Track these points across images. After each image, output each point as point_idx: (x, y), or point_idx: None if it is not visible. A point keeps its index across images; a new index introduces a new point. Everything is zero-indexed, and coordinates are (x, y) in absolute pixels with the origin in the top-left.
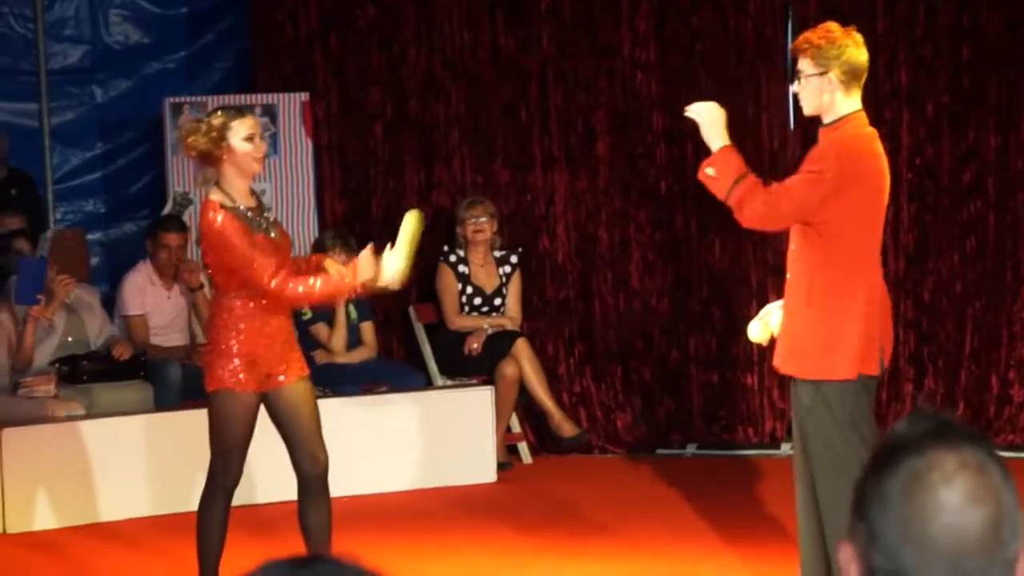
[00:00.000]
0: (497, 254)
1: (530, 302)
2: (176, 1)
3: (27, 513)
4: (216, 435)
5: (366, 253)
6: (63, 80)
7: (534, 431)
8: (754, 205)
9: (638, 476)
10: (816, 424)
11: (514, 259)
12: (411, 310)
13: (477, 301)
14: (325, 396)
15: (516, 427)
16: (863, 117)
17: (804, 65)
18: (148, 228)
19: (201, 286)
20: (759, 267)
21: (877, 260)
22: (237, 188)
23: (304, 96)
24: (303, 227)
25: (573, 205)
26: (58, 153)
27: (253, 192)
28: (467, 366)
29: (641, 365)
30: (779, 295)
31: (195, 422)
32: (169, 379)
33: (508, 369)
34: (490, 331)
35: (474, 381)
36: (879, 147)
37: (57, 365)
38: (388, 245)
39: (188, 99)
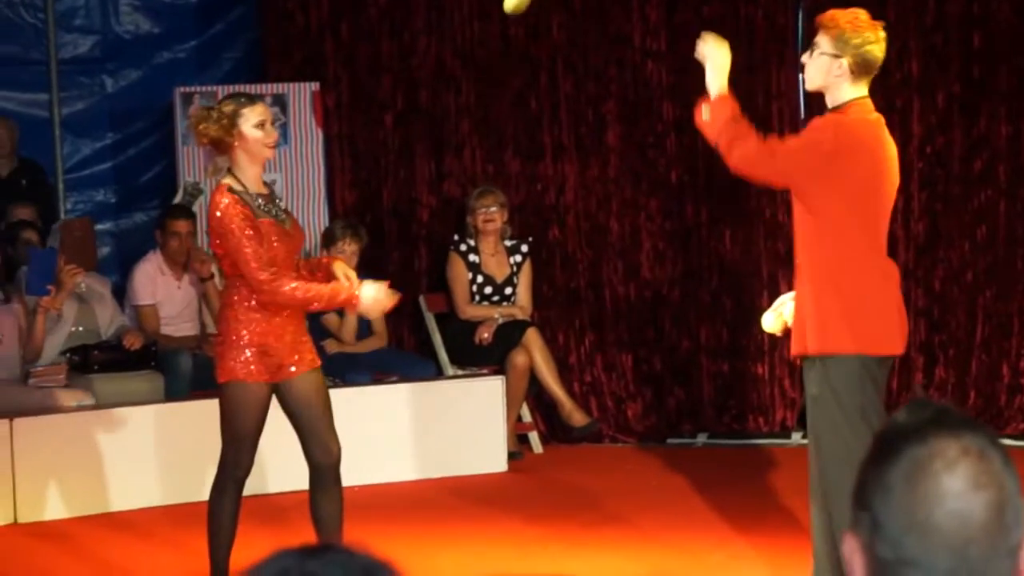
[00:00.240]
0: (508, 243)
1: (541, 291)
2: None
3: (38, 503)
4: (227, 426)
5: (380, 285)
6: (73, 70)
7: (545, 420)
8: (745, 148)
9: (649, 465)
10: (824, 413)
11: (525, 248)
12: (422, 300)
13: (488, 290)
14: (336, 386)
15: (527, 416)
16: (868, 104)
17: (822, 41)
18: (157, 218)
19: (211, 276)
20: (770, 257)
21: (878, 245)
22: (249, 175)
23: (314, 86)
24: (313, 217)
25: (583, 195)
26: (68, 143)
27: (265, 182)
28: (478, 356)
29: (652, 355)
30: (790, 286)
31: (206, 412)
32: (180, 369)
33: (519, 359)
34: (501, 321)
35: (485, 371)
36: (884, 133)
37: (68, 355)
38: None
39: (198, 89)
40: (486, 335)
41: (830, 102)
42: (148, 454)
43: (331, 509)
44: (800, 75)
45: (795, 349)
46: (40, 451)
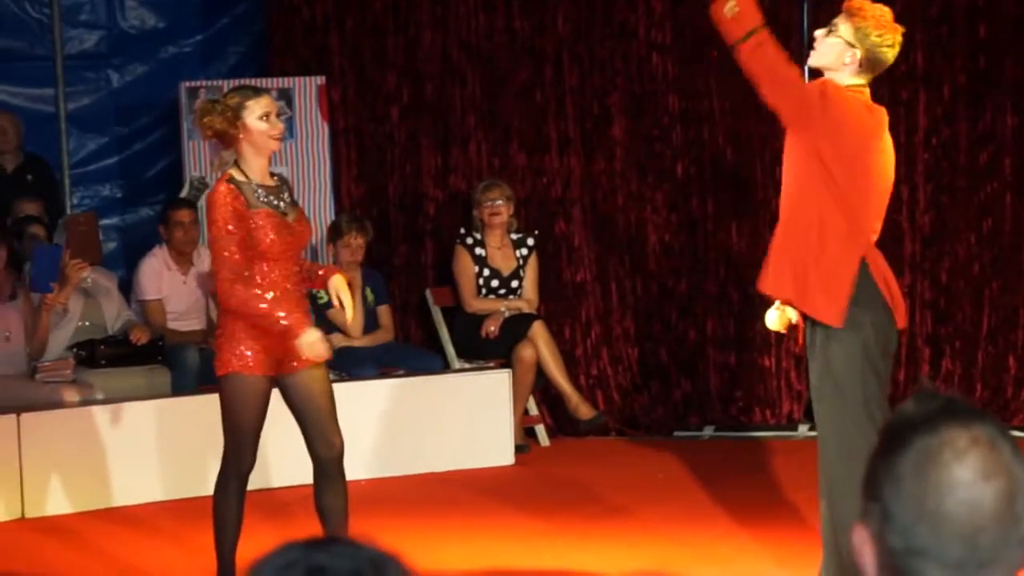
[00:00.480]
0: (514, 237)
1: (547, 285)
2: None
3: (45, 498)
4: (228, 420)
5: (320, 338)
6: (79, 65)
7: (551, 414)
8: (766, 57)
9: (655, 458)
10: (826, 406)
11: (531, 242)
12: (428, 293)
13: (494, 284)
14: (342, 380)
15: (533, 410)
16: (866, 92)
17: (842, 27)
18: (160, 213)
19: None
20: None
21: (866, 227)
22: (254, 167)
23: (320, 80)
24: (320, 211)
25: (589, 188)
26: (74, 138)
27: (274, 174)
28: (484, 349)
29: (658, 347)
30: None
31: (212, 407)
32: (186, 364)
33: (525, 352)
34: (507, 314)
35: (491, 364)
36: (876, 120)
37: (75, 350)
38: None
39: (204, 83)
40: (492, 328)
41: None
42: (155, 449)
43: (335, 503)
44: (816, 32)
45: (772, 290)
46: (47, 446)
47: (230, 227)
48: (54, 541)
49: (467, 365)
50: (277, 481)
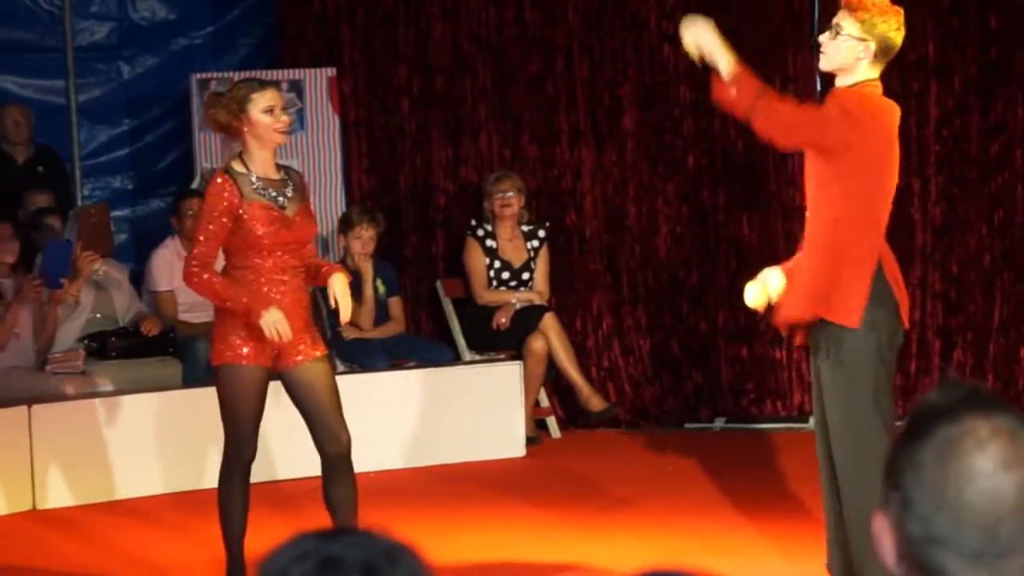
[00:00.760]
0: (525, 228)
1: (558, 276)
2: None
3: (56, 489)
4: (225, 410)
5: (282, 317)
6: (90, 57)
7: (562, 405)
8: (783, 117)
9: (666, 450)
10: (836, 397)
11: (542, 233)
12: (439, 285)
13: (505, 276)
14: (353, 372)
15: (544, 402)
16: (880, 86)
17: (848, 24)
18: (171, 204)
19: None
20: (787, 240)
21: (882, 224)
22: (258, 160)
23: (331, 72)
24: (331, 203)
25: (600, 179)
26: (85, 130)
27: (281, 167)
28: (495, 341)
29: (669, 339)
30: None
31: None
32: (198, 355)
33: (536, 344)
34: (518, 305)
35: (502, 356)
36: (894, 115)
37: (86, 342)
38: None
39: (215, 75)
40: (503, 320)
41: (843, 82)
42: (166, 440)
43: (344, 496)
44: (820, 37)
45: (792, 315)
46: (58, 438)
47: (215, 214)
48: (65, 533)
49: (478, 357)
50: (282, 473)
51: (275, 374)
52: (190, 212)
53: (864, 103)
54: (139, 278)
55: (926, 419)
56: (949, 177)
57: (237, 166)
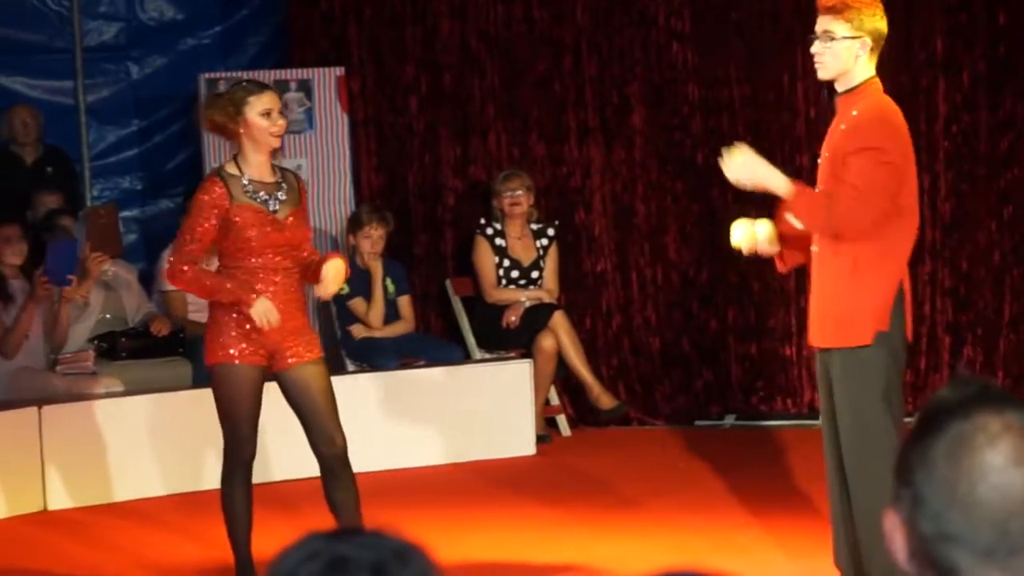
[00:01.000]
0: (534, 227)
1: (567, 274)
2: None
3: (67, 490)
4: (221, 410)
5: (271, 307)
6: (98, 57)
7: (572, 404)
8: (850, 216)
9: (676, 448)
10: (848, 395)
11: (551, 232)
12: (448, 284)
13: (514, 274)
14: (362, 371)
15: (555, 400)
16: (879, 83)
17: (836, 27)
18: (180, 205)
19: None
20: None
21: (915, 229)
22: (252, 162)
23: (339, 71)
24: (339, 202)
25: (609, 177)
26: (94, 130)
27: (278, 169)
28: (505, 339)
29: (679, 337)
30: None
31: None
32: None
33: (546, 342)
34: (528, 304)
35: (512, 354)
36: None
37: (96, 342)
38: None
39: (223, 75)
40: (513, 319)
41: (844, 85)
42: (176, 440)
43: (345, 497)
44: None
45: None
46: (69, 438)
47: (203, 214)
48: (74, 534)
49: (488, 355)
50: (278, 474)
51: (270, 376)
52: None
53: (886, 126)
54: (148, 278)
55: (937, 416)
56: (958, 173)
57: (230, 168)
